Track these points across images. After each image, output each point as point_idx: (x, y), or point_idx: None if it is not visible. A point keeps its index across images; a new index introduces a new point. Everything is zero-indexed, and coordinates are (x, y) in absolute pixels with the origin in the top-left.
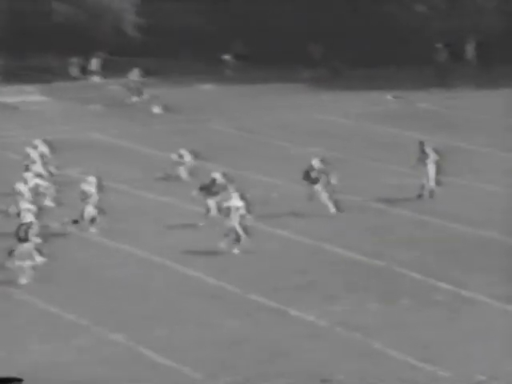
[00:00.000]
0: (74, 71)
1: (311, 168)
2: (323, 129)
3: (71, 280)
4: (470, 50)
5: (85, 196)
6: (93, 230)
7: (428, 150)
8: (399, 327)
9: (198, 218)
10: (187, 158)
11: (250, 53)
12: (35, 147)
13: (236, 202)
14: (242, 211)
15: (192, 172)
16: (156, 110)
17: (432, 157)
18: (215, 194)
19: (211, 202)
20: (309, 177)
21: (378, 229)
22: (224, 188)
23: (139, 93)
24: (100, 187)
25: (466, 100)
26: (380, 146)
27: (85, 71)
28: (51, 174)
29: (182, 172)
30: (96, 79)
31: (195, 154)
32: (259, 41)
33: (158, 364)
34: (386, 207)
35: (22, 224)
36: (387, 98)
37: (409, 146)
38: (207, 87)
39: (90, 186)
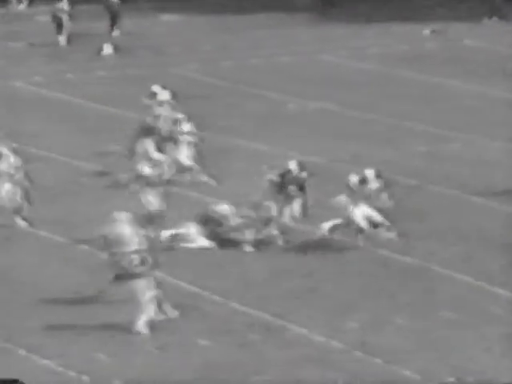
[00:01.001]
0: None
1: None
2: (331, 75)
3: None
4: None
5: None
6: None
7: None
8: (439, 351)
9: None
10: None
11: None
12: None
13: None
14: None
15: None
16: (107, 49)
17: None
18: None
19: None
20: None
21: (408, 213)
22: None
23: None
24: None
25: None
26: (411, 99)
27: None
28: None
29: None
30: (21, 8)
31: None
32: None
33: None
34: (419, 183)
35: None
36: (421, 33)
37: (452, 99)
38: (171, 18)
39: None
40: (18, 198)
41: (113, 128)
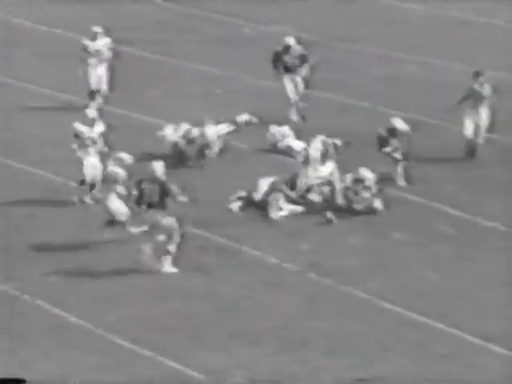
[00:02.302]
0: None
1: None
2: None
3: None
4: None
5: None
6: None
7: (486, 86)
8: (391, 270)
9: None
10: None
11: None
12: None
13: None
14: None
15: None
16: None
17: (487, 96)
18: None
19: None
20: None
21: (364, 136)
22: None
23: None
24: None
25: None
26: (368, 21)
27: None
28: None
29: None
30: None
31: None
32: None
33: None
34: (374, 107)
35: None
36: None
37: (408, 21)
38: None
39: None
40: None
41: (66, 52)
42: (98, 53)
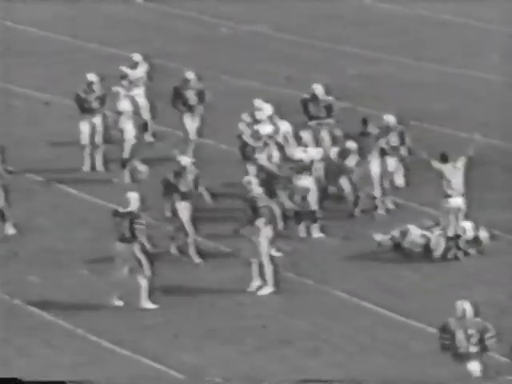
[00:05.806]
0: None
1: None
2: None
3: None
4: None
5: None
6: None
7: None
8: (370, 270)
9: None
10: None
11: None
12: None
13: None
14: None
15: None
16: None
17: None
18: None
19: None
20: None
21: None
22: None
23: None
24: None
25: None
26: (344, 21)
27: None
28: None
29: None
30: None
31: None
32: None
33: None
34: (351, 105)
35: None
36: None
37: (384, 21)
38: None
39: None
40: None
41: (42, 51)
42: (139, 80)
